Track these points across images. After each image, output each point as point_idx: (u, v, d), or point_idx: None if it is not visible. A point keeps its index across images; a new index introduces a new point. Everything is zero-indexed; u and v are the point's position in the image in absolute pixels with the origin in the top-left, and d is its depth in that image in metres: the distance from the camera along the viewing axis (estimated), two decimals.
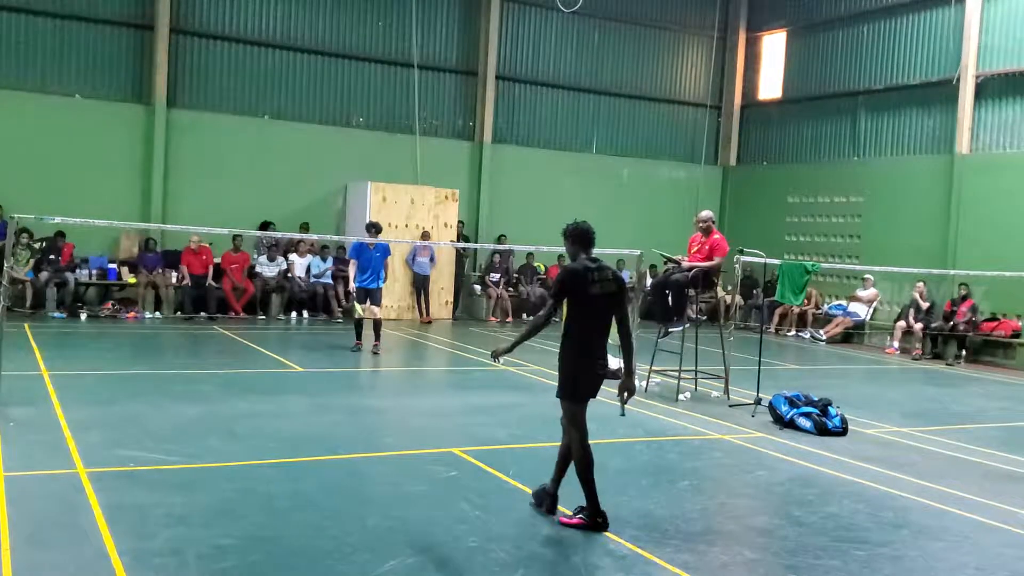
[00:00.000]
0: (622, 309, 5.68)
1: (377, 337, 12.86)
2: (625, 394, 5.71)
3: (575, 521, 5.57)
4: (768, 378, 11.08)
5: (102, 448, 6.89)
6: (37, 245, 15.58)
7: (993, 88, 17.39)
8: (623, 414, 5.94)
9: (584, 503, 5.59)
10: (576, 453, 5.61)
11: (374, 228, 13.11)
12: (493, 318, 18.75)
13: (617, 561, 5.10)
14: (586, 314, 5.58)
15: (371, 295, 12.77)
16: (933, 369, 15.50)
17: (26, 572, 4.50)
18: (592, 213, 23.04)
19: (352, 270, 12.95)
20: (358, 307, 12.83)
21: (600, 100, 21.57)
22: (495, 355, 5.83)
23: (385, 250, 13.06)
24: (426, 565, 4.89)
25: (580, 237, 5.77)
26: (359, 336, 12.95)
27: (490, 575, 4.84)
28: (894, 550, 5.63)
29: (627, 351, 5.70)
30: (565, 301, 5.62)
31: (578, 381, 5.61)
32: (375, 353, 12.75)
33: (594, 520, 5.53)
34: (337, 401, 9.72)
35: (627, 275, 20.30)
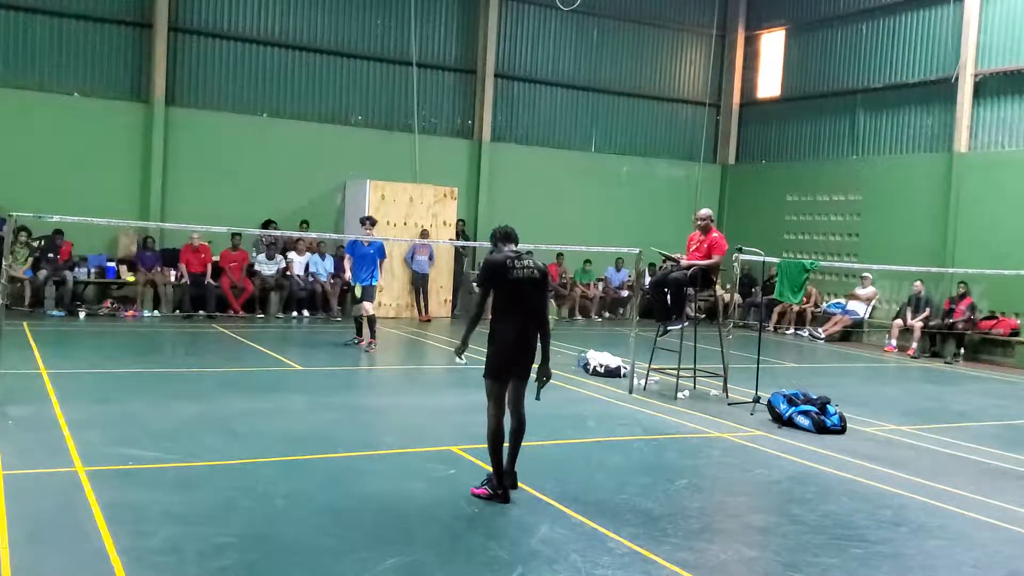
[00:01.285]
0: (542, 297, 6.18)
1: (372, 335, 12.87)
2: (544, 379, 6.18)
3: (481, 491, 6.05)
4: (767, 376, 11.09)
5: (101, 446, 6.89)
6: (36, 243, 15.57)
7: (992, 87, 17.40)
8: (538, 398, 6.25)
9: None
10: (489, 424, 6.09)
11: (368, 222, 13.07)
12: (492, 316, 18.71)
13: (616, 559, 5.10)
14: (508, 299, 6.08)
15: (364, 292, 12.78)
16: (931, 367, 15.52)
17: (25, 570, 4.50)
18: (591, 211, 23.19)
19: (348, 265, 13.02)
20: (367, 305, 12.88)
21: (599, 98, 21.57)
22: (458, 353, 6.26)
23: (380, 248, 13.03)
24: (425, 563, 4.90)
25: (502, 237, 6.30)
26: (359, 332, 13.14)
27: (490, 573, 4.84)
28: (892, 548, 5.64)
29: (544, 340, 6.19)
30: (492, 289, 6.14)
31: (494, 360, 6.09)
32: (367, 351, 12.78)
33: (495, 492, 6.00)
34: (336, 399, 9.72)
35: (626, 273, 20.40)
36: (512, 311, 6.08)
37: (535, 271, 6.12)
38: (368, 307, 12.83)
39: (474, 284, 18.43)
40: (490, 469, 6.14)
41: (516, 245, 6.28)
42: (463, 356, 6.24)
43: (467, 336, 6.23)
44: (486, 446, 6.16)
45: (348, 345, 13.14)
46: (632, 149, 21.97)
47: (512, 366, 6.08)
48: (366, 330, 12.95)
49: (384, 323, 16.91)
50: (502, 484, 6.02)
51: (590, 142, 21.57)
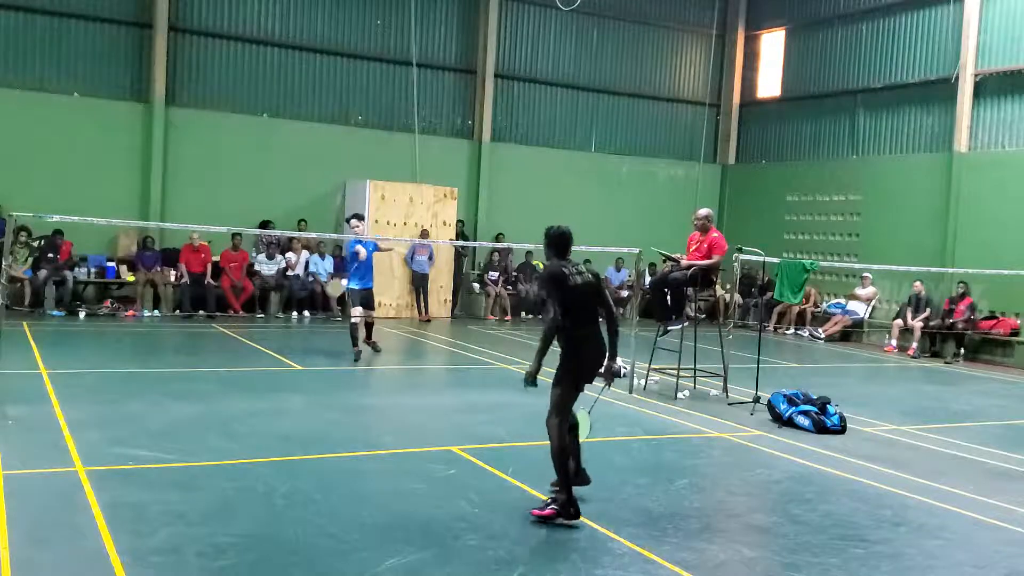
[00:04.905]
0: (603, 299, 6.00)
1: (369, 336, 12.31)
2: (611, 375, 6.04)
3: (547, 513, 5.61)
4: (767, 376, 11.09)
5: (101, 446, 6.89)
6: (35, 243, 15.56)
7: (992, 86, 17.39)
8: (605, 390, 6.22)
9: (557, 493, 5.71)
10: (558, 440, 5.72)
11: (356, 217, 12.38)
12: (492, 316, 18.76)
13: (616, 559, 5.10)
14: (573, 306, 5.78)
15: (363, 297, 12.02)
16: (931, 367, 15.51)
17: (25, 570, 4.50)
18: (591, 211, 23.19)
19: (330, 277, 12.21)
20: (358, 310, 12.07)
21: (599, 98, 21.57)
22: (528, 380, 5.82)
23: (372, 247, 12.28)
24: (425, 563, 4.89)
25: (557, 243, 6.03)
26: (355, 342, 12.01)
27: (490, 573, 4.84)
28: (892, 548, 5.64)
29: (612, 336, 5.98)
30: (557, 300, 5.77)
31: (578, 370, 5.82)
32: (376, 351, 12.43)
33: (567, 511, 5.58)
34: (336, 399, 9.72)
35: (626, 273, 20.39)
36: (579, 318, 5.80)
37: (589, 275, 5.97)
38: (370, 313, 12.17)
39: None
40: (547, 497, 5.78)
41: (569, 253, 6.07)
42: (533, 382, 5.81)
43: (541, 358, 5.73)
44: (487, 446, 6.09)
45: (376, 352, 12.26)
46: (632, 149, 21.97)
47: (590, 375, 5.90)
48: (362, 332, 12.26)
49: (384, 323, 16.91)
50: (574, 502, 5.61)
51: (590, 142, 21.57)
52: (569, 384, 5.82)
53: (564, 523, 5.57)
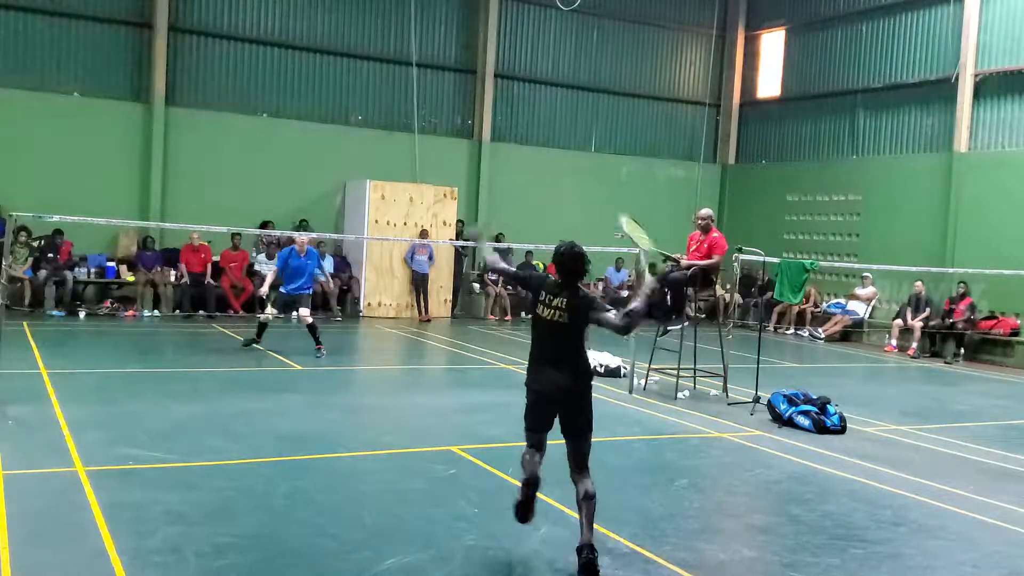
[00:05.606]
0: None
1: (317, 341, 12.29)
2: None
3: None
4: (767, 376, 11.09)
5: (101, 446, 6.89)
6: (35, 243, 15.57)
7: (992, 86, 17.39)
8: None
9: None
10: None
11: (303, 229, 12.69)
12: (492, 316, 18.77)
13: (616, 559, 5.10)
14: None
15: (300, 300, 12.42)
16: (931, 367, 15.52)
17: (25, 570, 4.50)
18: (591, 211, 23.15)
19: (271, 277, 12.67)
20: (270, 310, 12.50)
21: (599, 98, 21.57)
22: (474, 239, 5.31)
23: (316, 258, 12.79)
24: (425, 563, 4.89)
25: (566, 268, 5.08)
26: (259, 336, 12.28)
27: (490, 574, 4.84)
28: (892, 548, 5.64)
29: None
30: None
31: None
32: (318, 356, 12.12)
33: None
34: (336, 399, 9.72)
35: (626, 273, 20.39)
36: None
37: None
38: (306, 313, 12.48)
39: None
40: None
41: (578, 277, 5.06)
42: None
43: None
44: (487, 446, 6.07)
45: (246, 345, 12.40)
46: (632, 149, 21.97)
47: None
48: (322, 334, 12.49)
49: (384, 323, 16.93)
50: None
51: (590, 142, 21.57)
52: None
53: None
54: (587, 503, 4.89)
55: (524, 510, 5.16)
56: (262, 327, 12.35)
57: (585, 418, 5.01)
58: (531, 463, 5.06)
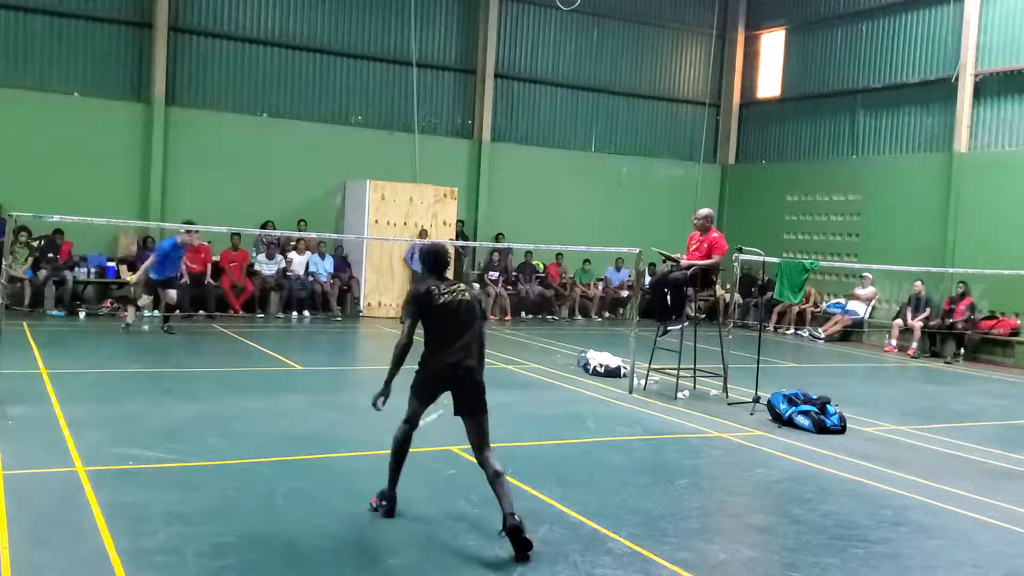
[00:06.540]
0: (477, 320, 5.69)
1: (167, 319, 13.90)
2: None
3: (373, 501, 5.74)
4: (767, 376, 11.09)
5: (101, 446, 6.89)
6: (35, 243, 15.56)
7: (992, 86, 17.40)
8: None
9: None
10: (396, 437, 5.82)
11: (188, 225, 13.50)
12: (492, 316, 18.75)
13: (616, 559, 5.10)
14: (438, 324, 5.60)
15: (172, 283, 14.02)
16: (931, 367, 15.51)
17: (25, 570, 4.50)
18: (591, 211, 23.12)
19: (148, 262, 13.79)
20: (146, 297, 13.98)
21: (599, 98, 21.57)
22: (376, 403, 5.83)
23: (178, 248, 14.09)
24: (425, 563, 4.89)
25: (431, 262, 5.72)
26: (166, 320, 13.95)
27: (490, 573, 4.84)
28: (892, 548, 5.64)
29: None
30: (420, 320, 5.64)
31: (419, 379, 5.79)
32: (169, 332, 13.53)
33: (380, 503, 5.66)
34: (336, 399, 9.72)
35: (626, 273, 20.39)
36: (444, 334, 5.67)
37: (464, 293, 5.65)
38: (173, 294, 14.03)
39: (475, 284, 18.44)
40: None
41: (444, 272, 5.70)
42: (382, 403, 5.93)
43: (390, 380, 5.91)
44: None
45: (168, 332, 13.61)
46: (632, 149, 21.98)
47: (432, 392, 6.07)
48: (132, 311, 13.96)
49: (384, 323, 16.92)
50: (391, 496, 5.74)
51: (590, 142, 21.57)
52: (412, 390, 5.81)
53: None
54: (500, 480, 5.21)
55: (393, 503, 5.64)
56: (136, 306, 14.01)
57: (484, 396, 5.55)
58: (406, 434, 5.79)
